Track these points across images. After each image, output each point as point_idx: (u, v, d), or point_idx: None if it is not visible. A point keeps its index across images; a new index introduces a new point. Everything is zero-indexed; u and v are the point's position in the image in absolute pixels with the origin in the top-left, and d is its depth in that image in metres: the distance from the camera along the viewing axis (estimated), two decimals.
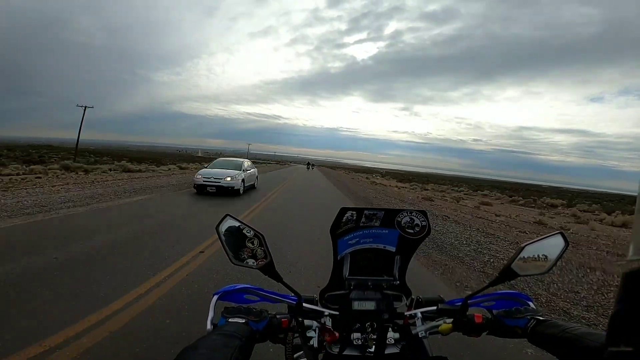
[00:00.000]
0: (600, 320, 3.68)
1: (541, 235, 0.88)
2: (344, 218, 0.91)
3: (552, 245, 0.84)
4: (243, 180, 13.02)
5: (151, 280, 3.68)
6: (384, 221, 0.94)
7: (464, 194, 36.86)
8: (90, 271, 3.82)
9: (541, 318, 0.79)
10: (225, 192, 11.96)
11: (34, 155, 33.77)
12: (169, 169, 25.99)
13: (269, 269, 0.82)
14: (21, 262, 3.93)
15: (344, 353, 0.84)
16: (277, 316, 0.82)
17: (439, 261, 5.75)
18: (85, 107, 34.04)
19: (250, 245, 0.81)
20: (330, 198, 14.96)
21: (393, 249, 0.97)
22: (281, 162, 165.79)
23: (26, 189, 10.02)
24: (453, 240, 7.45)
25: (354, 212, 0.92)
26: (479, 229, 9.23)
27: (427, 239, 0.95)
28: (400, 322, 0.91)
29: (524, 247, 0.82)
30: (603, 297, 4.34)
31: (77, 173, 17.60)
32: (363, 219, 0.92)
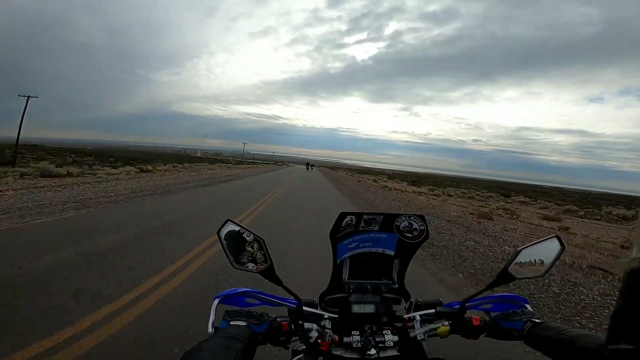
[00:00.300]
0: None
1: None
2: (344, 222, 0.93)
3: (548, 249, 0.85)
4: None
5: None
6: (383, 225, 0.95)
7: (504, 203, 31.07)
8: None
9: (537, 320, 0.80)
10: None
11: None
12: (127, 172, 18.64)
13: (269, 273, 0.83)
14: None
15: (344, 356, 0.85)
16: (278, 319, 0.83)
17: None
18: (29, 96, 28.73)
19: (250, 249, 0.82)
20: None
21: (392, 253, 0.98)
22: (279, 162, 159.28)
23: None
24: None
25: (353, 217, 0.93)
26: None
27: None
28: (399, 325, 0.92)
29: (520, 251, 0.84)
30: None
31: None
32: (362, 224, 0.94)
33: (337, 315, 0.91)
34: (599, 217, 25.62)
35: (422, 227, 0.96)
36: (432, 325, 0.88)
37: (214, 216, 7.73)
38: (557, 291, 4.24)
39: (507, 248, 6.84)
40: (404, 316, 0.93)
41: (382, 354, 0.85)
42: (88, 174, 16.51)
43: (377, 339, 0.86)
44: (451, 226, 9.23)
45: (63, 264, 3.83)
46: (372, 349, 0.85)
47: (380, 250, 0.98)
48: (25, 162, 24.10)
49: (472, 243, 7.05)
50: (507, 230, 10.07)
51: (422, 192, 29.90)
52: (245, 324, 0.75)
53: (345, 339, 0.86)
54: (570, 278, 4.75)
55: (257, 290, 0.88)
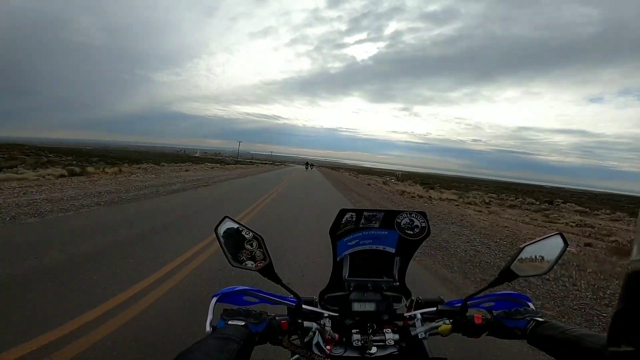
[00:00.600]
0: None
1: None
2: (344, 219, 0.91)
3: (551, 246, 0.84)
4: None
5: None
6: (384, 222, 0.94)
7: (564, 212, 25.47)
8: None
9: (540, 319, 0.79)
10: None
11: None
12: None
13: (268, 271, 0.81)
14: None
15: (344, 354, 0.84)
16: (277, 318, 0.82)
17: None
18: None
19: (249, 247, 0.81)
20: None
21: (393, 250, 0.97)
22: (276, 162, 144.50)
23: None
24: None
25: (354, 214, 0.92)
26: None
27: None
28: (400, 323, 0.91)
29: (523, 248, 0.82)
30: None
31: None
32: (362, 221, 0.92)
33: (337, 314, 0.90)
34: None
35: (423, 224, 0.95)
36: (434, 324, 0.87)
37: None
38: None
39: None
40: (405, 314, 0.92)
41: (382, 353, 0.84)
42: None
43: (378, 338, 0.85)
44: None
45: None
46: (373, 348, 0.83)
47: (380, 247, 0.96)
48: None
49: None
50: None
51: (452, 200, 22.75)
52: (243, 323, 0.74)
53: (346, 338, 0.85)
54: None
55: (255, 288, 0.87)
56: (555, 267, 0.85)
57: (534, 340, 0.77)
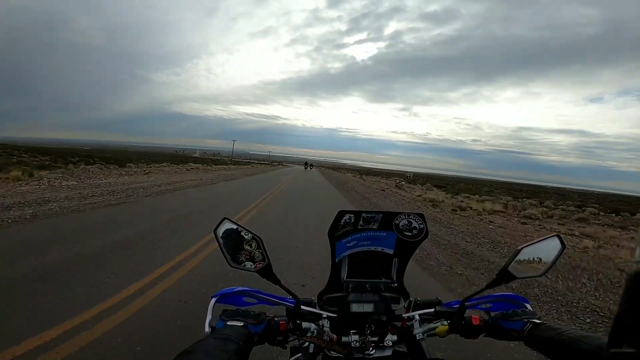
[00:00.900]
0: None
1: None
2: (342, 221, 0.92)
3: (549, 248, 0.84)
4: None
5: None
6: (382, 224, 0.94)
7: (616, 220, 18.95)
8: None
9: (537, 321, 0.80)
10: None
11: None
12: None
13: (267, 272, 0.82)
14: None
15: (342, 355, 0.85)
16: (276, 319, 0.82)
17: None
18: None
19: (248, 247, 0.81)
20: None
21: (391, 252, 0.97)
22: (274, 162, 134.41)
23: None
24: None
25: (352, 215, 0.92)
26: None
27: None
28: (398, 324, 0.92)
29: (520, 250, 0.83)
30: None
31: None
32: (361, 222, 0.93)
33: (335, 315, 0.91)
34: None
35: (421, 226, 0.95)
36: (431, 325, 0.87)
37: None
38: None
39: None
40: (403, 315, 0.93)
41: (380, 354, 0.85)
42: None
43: (376, 339, 0.86)
44: None
45: None
46: (371, 349, 0.84)
47: (379, 248, 0.97)
48: None
49: None
50: None
51: (501, 211, 16.48)
52: (242, 324, 0.74)
53: (344, 339, 0.86)
54: None
55: (254, 289, 0.87)
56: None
57: (531, 341, 0.77)
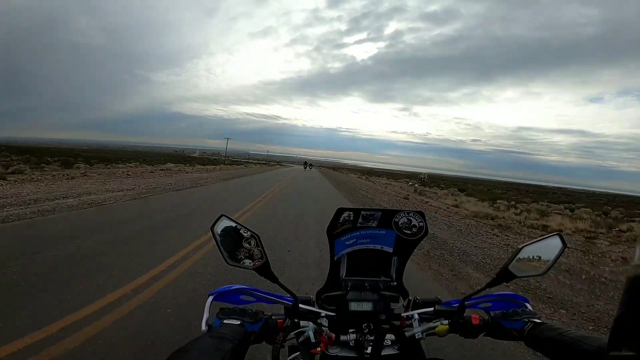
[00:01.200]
0: None
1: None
2: (341, 218, 0.91)
3: (550, 247, 0.83)
4: None
5: None
6: (381, 222, 0.93)
7: None
8: None
9: (538, 321, 0.79)
10: None
11: None
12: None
13: (265, 270, 0.81)
14: None
15: (340, 354, 0.84)
16: (273, 317, 0.81)
17: None
18: None
19: (247, 245, 0.81)
20: None
21: (390, 250, 0.96)
22: (271, 162, 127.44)
23: None
24: None
25: (351, 213, 0.91)
26: None
27: None
28: (397, 323, 0.91)
29: (521, 249, 0.82)
30: None
31: None
32: (360, 220, 0.92)
33: (334, 313, 0.90)
34: None
35: (421, 224, 0.94)
36: (431, 324, 0.86)
37: None
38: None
39: None
40: (402, 314, 0.92)
41: (379, 353, 0.84)
42: None
43: (375, 338, 0.85)
44: None
45: None
46: (370, 348, 0.83)
47: (378, 247, 0.96)
48: None
49: None
50: None
51: (588, 231, 10.80)
52: (238, 322, 0.73)
53: (342, 337, 0.85)
54: None
55: (252, 287, 0.87)
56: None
57: (531, 341, 0.76)
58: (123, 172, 18.27)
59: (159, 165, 28.79)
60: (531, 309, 0.87)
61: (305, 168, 60.46)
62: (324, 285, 0.97)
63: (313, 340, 0.83)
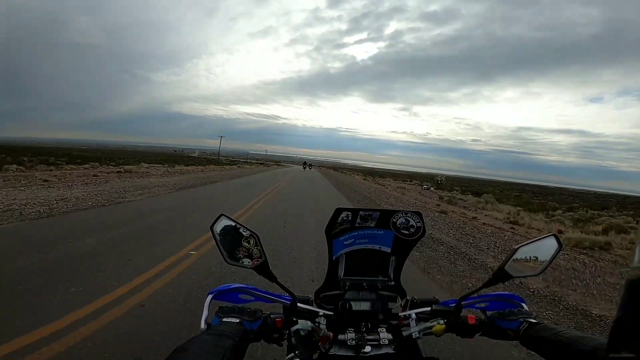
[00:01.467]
0: None
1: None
2: (340, 218, 0.92)
3: (546, 247, 0.84)
4: None
5: None
6: (380, 222, 0.94)
7: None
8: None
9: (533, 321, 0.79)
10: None
11: None
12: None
13: (263, 269, 0.82)
14: None
15: (338, 353, 0.85)
16: (272, 316, 0.82)
17: None
18: None
19: (246, 244, 0.81)
20: None
21: (388, 250, 0.97)
22: (268, 162, 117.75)
23: None
24: None
25: (350, 213, 0.92)
26: None
27: None
28: (395, 322, 0.91)
29: (517, 249, 0.83)
30: None
31: None
32: (358, 220, 0.93)
33: (332, 313, 0.91)
34: None
35: (418, 224, 0.95)
36: (428, 324, 0.87)
37: None
38: None
39: None
40: (400, 314, 0.92)
41: (377, 352, 0.84)
42: None
43: (372, 337, 0.86)
44: None
45: None
46: (367, 347, 0.84)
47: (376, 247, 0.97)
48: None
49: None
50: None
51: None
52: (237, 320, 0.74)
53: (340, 337, 0.86)
54: None
55: (251, 286, 0.88)
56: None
57: (527, 341, 0.77)
58: (50, 175, 13.05)
59: (133, 165, 24.65)
60: (527, 309, 0.88)
61: (304, 168, 59.68)
62: (322, 285, 0.98)
63: (311, 339, 0.84)
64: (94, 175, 14.56)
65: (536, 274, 0.84)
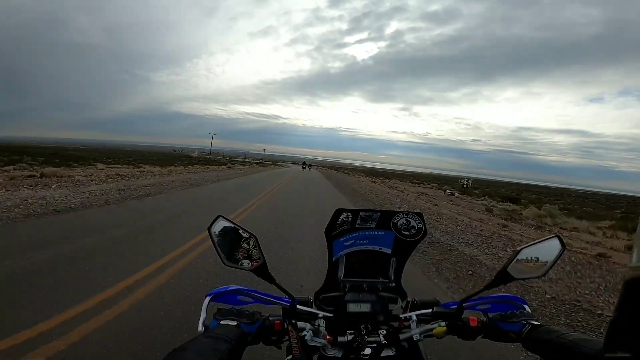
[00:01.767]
0: None
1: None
2: (340, 219, 0.91)
3: (549, 249, 0.83)
4: None
5: None
6: (380, 223, 0.93)
7: None
8: None
9: (536, 323, 0.78)
10: None
11: None
12: None
13: (262, 271, 0.81)
14: None
15: (338, 355, 0.83)
16: (270, 318, 0.81)
17: None
18: None
19: (245, 245, 0.80)
20: None
21: (389, 251, 0.96)
22: (264, 161, 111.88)
23: None
24: None
25: (350, 214, 0.91)
26: None
27: None
28: (395, 324, 0.90)
29: (520, 250, 0.82)
30: None
31: None
32: (359, 221, 0.92)
33: (332, 314, 0.89)
34: None
35: (419, 225, 0.94)
36: (429, 326, 0.86)
37: None
38: None
39: None
40: (400, 316, 0.91)
41: (377, 354, 0.83)
42: None
43: (372, 339, 0.84)
44: None
45: None
46: (367, 349, 0.83)
47: (377, 248, 0.95)
48: None
49: None
50: None
51: None
52: (235, 323, 0.73)
53: (340, 339, 0.85)
54: None
55: (250, 288, 0.87)
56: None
57: (529, 343, 0.76)
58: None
59: (112, 164, 20.62)
60: (529, 311, 0.87)
61: (304, 168, 59.09)
62: (322, 286, 0.97)
63: (310, 341, 0.83)
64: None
65: (539, 275, 0.83)
